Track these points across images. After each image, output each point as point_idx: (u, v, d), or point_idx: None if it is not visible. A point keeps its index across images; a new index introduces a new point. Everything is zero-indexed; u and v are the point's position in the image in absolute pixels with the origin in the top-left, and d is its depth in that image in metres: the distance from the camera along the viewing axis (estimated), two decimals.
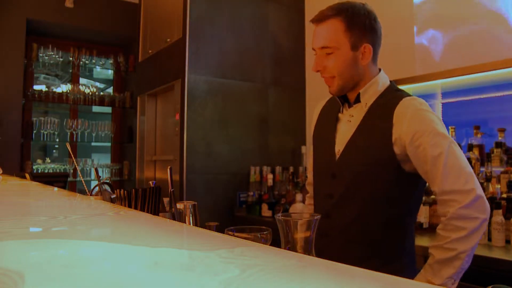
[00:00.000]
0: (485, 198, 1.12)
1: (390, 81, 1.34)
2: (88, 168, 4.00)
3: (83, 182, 1.95)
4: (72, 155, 1.49)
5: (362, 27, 1.28)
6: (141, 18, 3.63)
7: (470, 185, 1.11)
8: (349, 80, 1.27)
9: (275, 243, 0.73)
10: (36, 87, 4.09)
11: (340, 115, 1.35)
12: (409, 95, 1.26)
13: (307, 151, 3.13)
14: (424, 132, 1.16)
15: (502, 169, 2.00)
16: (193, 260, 0.40)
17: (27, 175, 2.12)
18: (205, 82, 2.88)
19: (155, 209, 1.07)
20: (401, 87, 2.60)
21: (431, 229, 2.08)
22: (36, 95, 3.93)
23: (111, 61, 4.36)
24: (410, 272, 1.27)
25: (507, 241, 1.70)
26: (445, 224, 1.14)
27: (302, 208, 2.48)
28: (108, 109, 4.50)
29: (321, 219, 0.72)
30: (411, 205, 1.27)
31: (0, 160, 2.79)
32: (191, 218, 1.11)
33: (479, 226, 1.12)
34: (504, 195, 1.84)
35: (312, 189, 1.51)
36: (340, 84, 1.27)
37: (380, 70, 1.33)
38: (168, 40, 3.07)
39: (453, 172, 1.13)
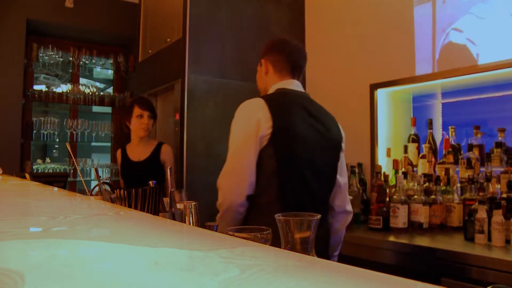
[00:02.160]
0: None
1: (278, 89, 1.56)
2: (88, 168, 4.00)
3: (83, 182, 1.95)
4: (72, 155, 1.49)
5: (264, 49, 1.67)
6: (141, 18, 3.63)
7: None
8: (260, 88, 1.71)
9: (275, 243, 0.73)
10: (36, 87, 4.09)
11: None
12: (263, 97, 1.50)
13: None
14: None
15: (502, 169, 2.00)
16: (193, 260, 0.40)
17: (27, 175, 2.12)
18: (205, 82, 2.88)
19: (155, 209, 1.07)
20: (401, 87, 2.62)
21: (431, 229, 2.08)
22: (36, 95, 3.93)
23: (111, 61, 4.36)
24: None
25: (507, 241, 1.70)
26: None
27: None
28: (108, 109, 4.50)
29: None
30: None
31: (0, 160, 2.79)
32: (191, 218, 1.11)
33: None
34: (504, 195, 1.84)
35: None
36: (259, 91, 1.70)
37: (288, 80, 1.60)
38: (168, 40, 3.07)
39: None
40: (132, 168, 2.57)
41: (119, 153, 2.64)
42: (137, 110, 2.48)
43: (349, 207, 1.65)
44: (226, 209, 1.46)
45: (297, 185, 1.46)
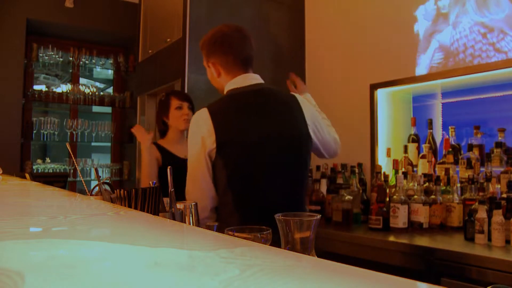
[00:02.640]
0: None
1: (228, 91, 1.54)
2: (88, 168, 4.00)
3: (83, 182, 1.95)
4: (72, 155, 1.49)
5: (206, 50, 1.60)
6: (141, 18, 3.63)
7: None
8: (217, 88, 1.66)
9: (275, 243, 0.73)
10: (36, 87, 4.09)
11: None
12: (208, 107, 1.49)
13: None
14: None
15: (502, 169, 2.00)
16: (193, 260, 0.40)
17: (27, 175, 2.12)
18: (205, 82, 2.87)
19: (155, 209, 1.07)
20: (401, 87, 2.62)
21: (431, 229, 2.08)
22: (36, 95, 3.93)
23: (111, 61, 4.36)
24: None
25: (507, 241, 1.70)
26: None
27: None
28: (108, 109, 4.50)
29: None
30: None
31: (0, 160, 2.79)
32: (191, 218, 1.11)
33: None
34: (504, 195, 1.84)
35: None
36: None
37: (240, 76, 1.55)
38: (168, 40, 3.07)
39: None
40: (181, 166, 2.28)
41: (155, 150, 2.24)
42: (175, 102, 2.25)
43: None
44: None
45: (253, 194, 1.44)
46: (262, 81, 1.58)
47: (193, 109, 2.28)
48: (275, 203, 1.43)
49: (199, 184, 1.45)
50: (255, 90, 1.52)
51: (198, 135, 1.44)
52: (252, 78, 1.56)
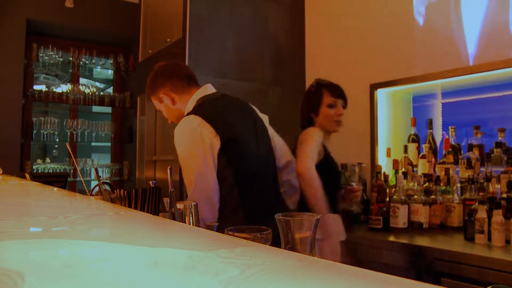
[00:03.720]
0: None
1: (199, 99, 1.59)
2: (88, 168, 4.00)
3: (83, 182, 1.95)
4: (72, 155, 1.49)
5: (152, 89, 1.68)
6: (141, 18, 3.63)
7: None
8: (175, 120, 1.68)
9: (275, 243, 0.73)
10: (36, 87, 4.09)
11: None
12: (194, 113, 1.50)
13: None
14: None
15: (502, 169, 2.00)
16: (193, 260, 0.40)
17: (27, 175, 2.12)
18: (205, 82, 2.87)
19: (155, 209, 1.07)
20: (401, 87, 2.62)
21: (431, 229, 2.08)
22: (36, 95, 3.93)
23: (111, 61, 4.36)
24: None
25: (507, 241, 1.70)
26: None
27: None
28: (108, 109, 4.50)
29: None
30: None
31: (0, 160, 2.79)
32: (191, 218, 1.11)
33: None
34: (504, 195, 1.84)
35: None
36: None
37: (194, 91, 1.64)
38: (168, 40, 3.07)
39: None
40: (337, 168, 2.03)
41: (321, 145, 1.93)
42: (328, 98, 1.91)
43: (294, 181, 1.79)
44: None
45: (259, 189, 1.54)
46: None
47: (344, 108, 1.96)
48: (273, 196, 1.62)
49: (209, 187, 1.44)
50: (221, 94, 1.64)
51: (200, 139, 1.43)
52: (211, 88, 1.65)
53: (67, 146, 1.57)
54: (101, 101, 4.28)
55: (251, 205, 1.49)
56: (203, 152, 1.42)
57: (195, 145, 1.44)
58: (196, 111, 1.51)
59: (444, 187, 2.15)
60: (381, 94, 2.70)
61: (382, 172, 2.42)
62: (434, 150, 2.39)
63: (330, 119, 1.90)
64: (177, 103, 1.62)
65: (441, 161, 2.28)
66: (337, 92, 1.94)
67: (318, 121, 1.93)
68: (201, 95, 1.58)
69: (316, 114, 1.93)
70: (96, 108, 4.62)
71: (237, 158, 1.47)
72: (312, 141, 1.81)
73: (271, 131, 1.75)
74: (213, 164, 1.44)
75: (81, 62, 4.17)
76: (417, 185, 2.14)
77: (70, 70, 4.22)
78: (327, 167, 1.85)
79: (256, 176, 1.54)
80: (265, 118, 1.74)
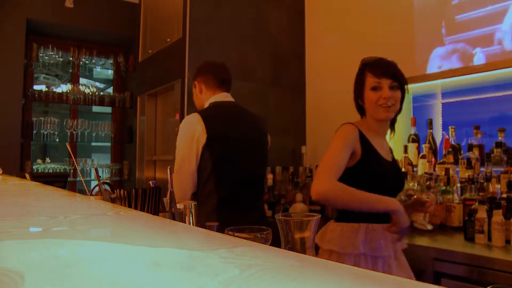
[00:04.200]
0: None
1: (211, 103, 1.90)
2: (88, 168, 4.00)
3: (83, 182, 1.95)
4: (72, 155, 1.49)
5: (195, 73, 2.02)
6: (141, 18, 3.63)
7: None
8: (197, 105, 2.03)
9: (275, 243, 0.73)
10: (36, 87, 4.09)
11: None
12: (199, 112, 1.84)
13: (307, 151, 3.13)
14: None
15: (502, 169, 2.00)
16: (193, 260, 0.40)
17: (27, 175, 2.12)
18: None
19: (155, 209, 1.07)
20: None
21: (431, 229, 2.08)
22: (36, 95, 3.93)
23: (111, 61, 4.36)
24: None
25: (507, 241, 1.70)
26: None
27: (302, 208, 2.48)
28: (108, 109, 4.50)
29: None
30: None
31: (0, 160, 2.79)
32: (191, 218, 1.11)
33: None
34: (504, 195, 1.84)
35: None
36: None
37: (218, 94, 1.94)
38: (168, 40, 3.07)
39: None
40: (384, 170, 1.58)
41: (356, 143, 1.54)
42: (370, 79, 1.56)
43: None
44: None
45: (232, 179, 1.81)
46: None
47: (401, 89, 1.56)
48: (247, 187, 1.85)
49: (188, 171, 1.76)
50: (233, 103, 1.95)
51: (192, 132, 1.77)
52: (229, 97, 1.96)
53: (67, 146, 1.57)
54: (101, 101, 4.28)
55: (225, 195, 1.77)
56: (190, 143, 1.76)
57: (187, 136, 1.78)
58: (202, 110, 1.86)
59: (444, 187, 2.15)
60: None
61: None
62: (434, 150, 2.39)
63: (373, 104, 1.54)
64: (202, 95, 1.96)
65: (441, 161, 2.28)
66: (382, 71, 1.56)
67: (366, 109, 1.61)
68: (217, 99, 1.90)
69: (362, 100, 1.62)
70: (96, 108, 4.63)
71: (219, 152, 1.78)
72: (339, 144, 1.52)
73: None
74: (196, 155, 1.77)
75: (81, 62, 4.17)
76: (417, 185, 2.14)
77: (70, 70, 4.22)
78: (365, 170, 1.52)
79: (237, 172, 1.81)
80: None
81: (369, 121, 1.61)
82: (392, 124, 1.65)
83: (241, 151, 1.83)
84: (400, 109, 1.60)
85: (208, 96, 1.93)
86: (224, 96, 1.93)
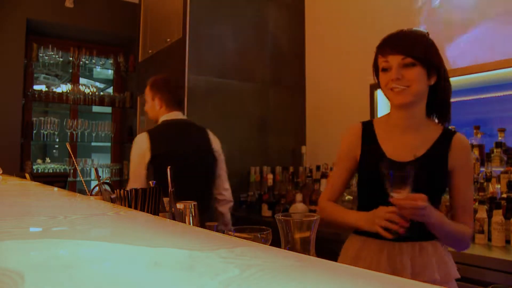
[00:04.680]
0: None
1: (163, 121, 2.14)
2: (88, 168, 4.00)
3: (83, 182, 1.95)
4: (72, 155, 1.49)
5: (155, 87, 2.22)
6: (141, 18, 3.63)
7: None
8: (151, 117, 2.26)
9: (275, 243, 0.73)
10: (36, 87, 4.09)
11: None
12: (148, 132, 2.10)
13: (307, 151, 3.13)
14: None
15: (502, 169, 2.00)
16: (193, 260, 0.40)
17: (27, 175, 2.12)
18: (205, 82, 2.88)
19: (155, 209, 1.07)
20: None
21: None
22: (36, 95, 3.93)
23: (111, 61, 4.36)
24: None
25: (507, 241, 1.70)
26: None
27: (302, 208, 2.48)
28: (108, 109, 4.50)
29: None
30: None
31: (0, 160, 2.79)
32: (191, 218, 1.11)
33: None
34: (504, 195, 1.84)
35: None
36: None
37: (173, 112, 2.17)
38: (168, 40, 3.07)
39: None
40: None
41: (356, 147, 1.36)
42: (380, 60, 1.33)
43: (227, 194, 2.21)
44: None
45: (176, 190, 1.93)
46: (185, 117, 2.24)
47: (425, 65, 1.24)
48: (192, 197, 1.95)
49: (138, 186, 1.85)
50: (183, 121, 2.17)
51: (139, 150, 2.01)
52: (181, 115, 2.18)
53: (67, 146, 1.57)
54: (101, 101, 4.28)
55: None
56: (138, 160, 2.01)
57: (136, 153, 2.03)
58: (151, 129, 2.10)
59: None
60: (381, 95, 2.69)
61: None
62: None
63: (384, 89, 1.31)
64: (161, 110, 2.16)
65: None
66: (389, 47, 1.30)
67: (384, 92, 1.35)
68: (169, 117, 2.12)
69: (379, 86, 1.36)
70: (96, 108, 4.63)
71: (161, 171, 1.81)
72: (337, 159, 1.39)
73: (221, 157, 2.20)
74: (144, 169, 1.99)
75: (81, 62, 4.17)
76: None
77: (70, 70, 4.22)
78: (361, 174, 1.36)
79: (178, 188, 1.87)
80: (216, 141, 2.20)
81: (391, 112, 1.37)
82: (436, 110, 1.35)
83: (184, 167, 1.94)
84: (439, 94, 1.31)
85: (163, 113, 2.14)
86: (176, 115, 2.14)
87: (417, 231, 1.18)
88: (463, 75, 2.23)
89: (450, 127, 1.39)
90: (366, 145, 1.35)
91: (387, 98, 1.32)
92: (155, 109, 2.16)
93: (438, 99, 1.32)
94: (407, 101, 1.25)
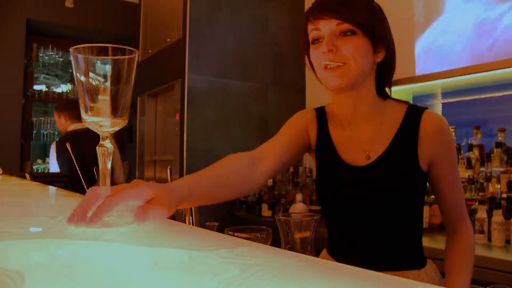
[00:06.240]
0: None
1: (70, 130, 3.06)
2: None
3: (83, 182, 1.94)
4: (72, 155, 1.49)
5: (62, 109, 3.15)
6: (141, 18, 3.63)
7: None
8: (62, 131, 3.18)
9: (275, 243, 0.73)
10: (36, 87, 4.09)
11: None
12: (59, 139, 3.10)
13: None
14: None
15: (502, 169, 2.00)
16: (193, 260, 0.40)
17: (27, 175, 2.12)
18: (205, 82, 2.88)
19: None
20: (401, 87, 2.62)
21: (431, 229, 2.08)
22: (36, 95, 3.93)
23: None
24: None
25: (507, 241, 1.70)
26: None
27: (302, 208, 2.48)
28: None
29: None
30: None
31: (0, 160, 2.79)
32: (191, 218, 1.11)
33: None
34: (504, 195, 1.84)
35: None
36: None
37: (77, 123, 2.97)
38: (168, 40, 3.07)
39: None
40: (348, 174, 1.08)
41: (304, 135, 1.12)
42: (309, 28, 1.03)
43: None
44: None
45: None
46: None
47: (371, 33, 0.99)
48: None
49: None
50: (80, 131, 2.73)
51: (53, 156, 2.82)
52: (80, 125, 2.68)
53: (67, 146, 1.57)
54: None
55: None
56: (54, 161, 2.82)
57: (52, 155, 2.84)
58: (60, 138, 2.91)
59: None
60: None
61: None
62: None
63: (317, 68, 1.00)
64: (67, 123, 2.93)
65: None
66: (319, 10, 0.99)
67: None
68: (75, 127, 2.83)
69: (311, 66, 1.09)
70: None
71: (66, 165, 2.70)
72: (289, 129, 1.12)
73: (117, 155, 2.92)
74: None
75: None
76: None
77: (70, 70, 4.22)
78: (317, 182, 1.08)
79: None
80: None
81: (331, 99, 1.06)
82: (384, 86, 1.08)
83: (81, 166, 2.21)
84: (386, 73, 1.06)
85: (69, 125, 2.91)
86: (81, 125, 2.57)
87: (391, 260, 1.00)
88: (463, 75, 2.23)
89: (423, 107, 1.03)
90: (322, 140, 1.06)
91: (322, 82, 1.00)
92: (63, 123, 2.95)
93: (383, 78, 1.07)
94: (342, 84, 0.92)
